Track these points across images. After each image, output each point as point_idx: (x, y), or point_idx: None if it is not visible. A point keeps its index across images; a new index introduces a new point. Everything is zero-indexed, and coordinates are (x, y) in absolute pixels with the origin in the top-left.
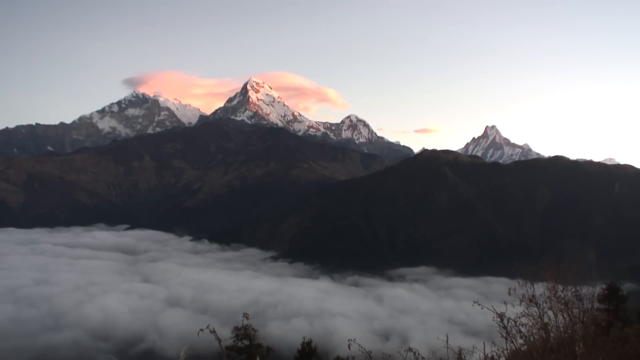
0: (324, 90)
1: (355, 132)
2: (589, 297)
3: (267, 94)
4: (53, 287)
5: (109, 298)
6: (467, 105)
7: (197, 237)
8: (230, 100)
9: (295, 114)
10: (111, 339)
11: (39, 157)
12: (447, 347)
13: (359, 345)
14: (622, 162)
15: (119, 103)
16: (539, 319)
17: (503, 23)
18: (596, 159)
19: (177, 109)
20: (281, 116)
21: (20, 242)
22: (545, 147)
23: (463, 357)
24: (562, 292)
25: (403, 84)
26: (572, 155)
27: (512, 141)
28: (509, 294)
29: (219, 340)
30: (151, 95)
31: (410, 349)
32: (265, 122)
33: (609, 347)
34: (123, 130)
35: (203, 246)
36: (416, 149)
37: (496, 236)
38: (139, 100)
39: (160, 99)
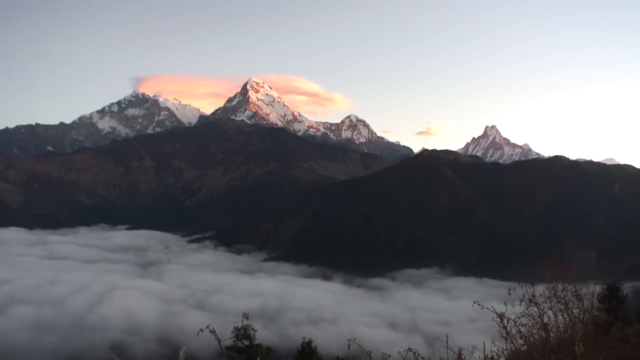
0: (330, 95)
1: (355, 132)
2: (589, 297)
3: (267, 94)
4: (69, 288)
5: (129, 299)
6: (467, 106)
7: (197, 237)
8: (230, 100)
9: (295, 114)
10: (139, 339)
11: (39, 157)
12: (447, 347)
13: (359, 345)
14: (622, 162)
15: (118, 103)
16: (539, 319)
17: (503, 23)
18: (596, 159)
19: (177, 109)
20: (281, 116)
21: (30, 243)
22: (545, 147)
23: (463, 357)
24: (562, 292)
25: (403, 84)
26: (572, 155)
27: (512, 141)
28: (509, 294)
29: (219, 340)
30: (151, 95)
31: (410, 349)
32: (265, 122)
33: (609, 347)
34: (123, 130)
35: (205, 246)
36: (416, 149)
37: (496, 236)
38: (139, 100)
39: (160, 99)
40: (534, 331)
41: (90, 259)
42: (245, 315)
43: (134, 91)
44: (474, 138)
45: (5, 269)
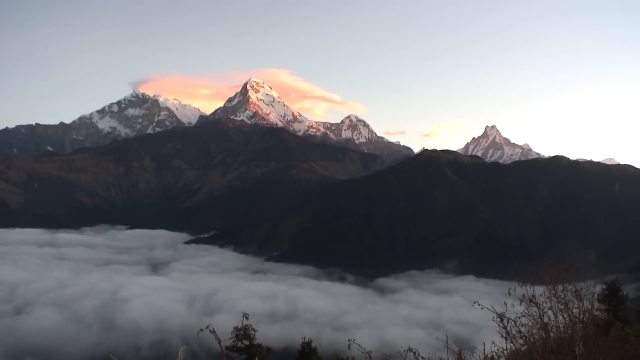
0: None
1: (355, 132)
2: (589, 297)
3: (267, 94)
4: (87, 289)
5: (150, 299)
6: (467, 106)
7: (197, 237)
8: (230, 100)
9: (295, 114)
10: (172, 338)
11: (39, 157)
12: (447, 347)
13: (359, 345)
14: (622, 162)
15: (118, 103)
16: (539, 319)
17: (503, 23)
18: (596, 159)
19: (176, 109)
20: (281, 116)
21: (39, 243)
22: (545, 147)
23: (463, 357)
24: (562, 292)
25: (403, 85)
26: (572, 155)
27: (512, 141)
28: (509, 294)
29: (219, 341)
30: (151, 95)
31: (410, 349)
32: (265, 122)
33: (609, 347)
34: (123, 130)
35: (208, 246)
36: (416, 149)
37: (496, 236)
38: (139, 100)
39: (160, 99)
40: (534, 331)
41: (100, 260)
42: (245, 315)
43: (134, 91)
44: (474, 138)
45: (19, 270)
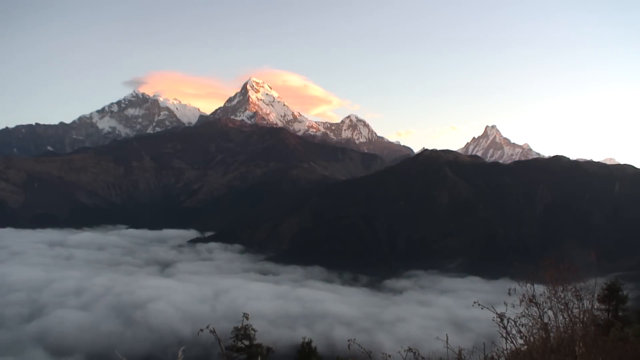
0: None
1: (355, 132)
2: (589, 297)
3: (267, 94)
4: (104, 290)
5: (169, 300)
6: (467, 105)
7: (196, 237)
8: (230, 100)
9: (295, 114)
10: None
11: (39, 157)
12: (447, 347)
13: (359, 345)
14: (622, 162)
15: (118, 103)
16: (539, 319)
17: (503, 24)
18: (596, 159)
19: (176, 108)
20: (281, 116)
21: (48, 243)
22: (545, 147)
23: (463, 357)
24: (562, 292)
25: (403, 84)
26: (572, 155)
27: (512, 141)
28: (509, 294)
29: (219, 341)
30: (151, 95)
31: (410, 349)
32: (265, 122)
33: (609, 347)
34: (123, 130)
35: (210, 246)
36: (416, 149)
37: (496, 236)
38: (139, 100)
39: (160, 99)
40: (534, 331)
41: (108, 260)
42: (245, 315)
43: (134, 91)
44: (474, 138)
45: (38, 271)
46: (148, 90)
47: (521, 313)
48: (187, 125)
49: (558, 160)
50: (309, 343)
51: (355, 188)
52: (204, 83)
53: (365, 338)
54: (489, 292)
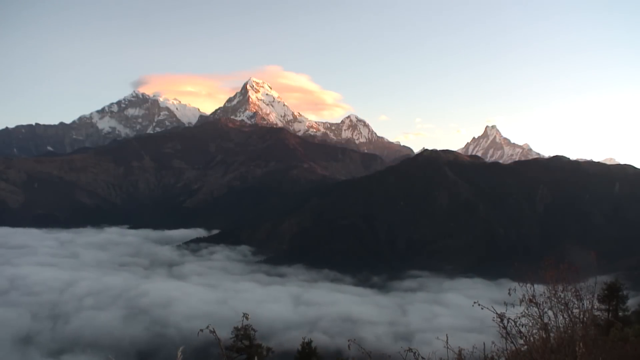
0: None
1: (355, 132)
2: (589, 297)
3: (267, 94)
4: (119, 291)
5: (188, 301)
6: (468, 105)
7: (197, 237)
8: (230, 100)
9: (295, 114)
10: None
11: (39, 157)
12: (447, 347)
13: (359, 345)
14: (622, 162)
15: (118, 103)
16: (539, 319)
17: (503, 25)
18: (596, 159)
19: (176, 109)
20: (281, 116)
21: (56, 244)
22: (545, 147)
23: (463, 357)
24: (562, 292)
25: (403, 84)
26: (572, 156)
27: (512, 141)
28: (509, 294)
29: (219, 341)
30: (151, 95)
31: (410, 349)
32: (265, 122)
33: (609, 347)
34: (123, 130)
35: (210, 246)
36: (416, 149)
37: (496, 236)
38: (139, 100)
39: (160, 99)
40: (534, 331)
41: (115, 260)
42: (245, 316)
43: (134, 91)
44: (474, 138)
45: (54, 272)
46: (148, 90)
47: (521, 313)
48: (187, 125)
49: (558, 160)
50: (309, 343)
51: (355, 188)
52: (204, 83)
53: (406, 342)
54: (488, 292)
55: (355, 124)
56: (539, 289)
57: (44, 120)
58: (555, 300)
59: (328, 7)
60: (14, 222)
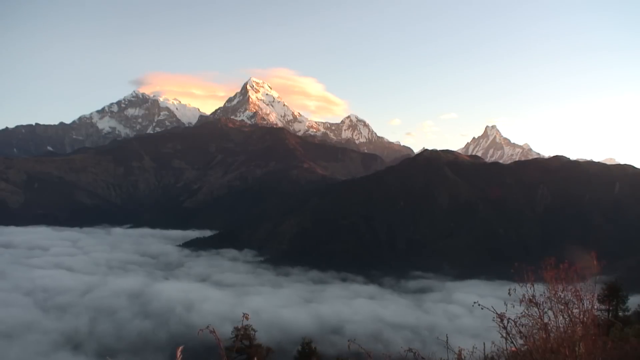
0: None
1: (355, 132)
2: (589, 297)
3: (267, 94)
4: (133, 294)
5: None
6: (468, 105)
7: (196, 237)
8: (230, 100)
9: (295, 114)
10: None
11: (39, 157)
12: (447, 347)
13: (359, 345)
14: (622, 162)
15: (118, 103)
16: (539, 320)
17: (503, 25)
18: (596, 159)
19: (176, 109)
20: (281, 116)
21: (61, 243)
22: (545, 147)
23: (463, 357)
24: (562, 292)
25: (404, 84)
26: (572, 156)
27: (512, 141)
28: (509, 294)
29: (219, 341)
30: (151, 95)
31: (410, 349)
32: (265, 122)
33: (609, 347)
34: (123, 130)
35: (211, 247)
36: (416, 149)
37: (496, 236)
38: (139, 100)
39: (160, 99)
40: (534, 331)
41: (122, 261)
42: (245, 316)
43: (134, 91)
44: (474, 138)
45: (72, 275)
46: (148, 90)
47: (521, 313)
48: (187, 125)
49: (558, 160)
50: (309, 343)
51: (355, 188)
52: (204, 83)
53: (441, 348)
54: (489, 291)
55: (355, 124)
56: (539, 289)
57: (44, 120)
58: (555, 300)
59: (329, 8)
60: (14, 223)
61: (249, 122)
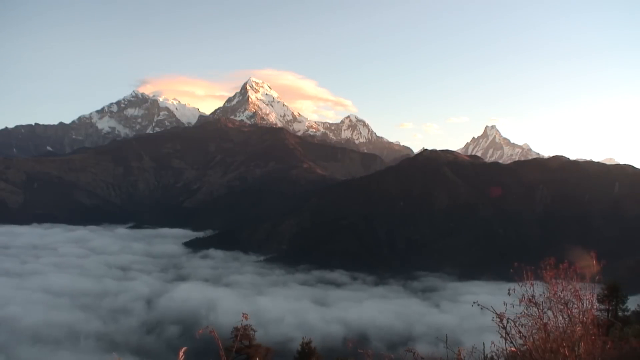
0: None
1: (355, 132)
2: (589, 297)
3: (266, 94)
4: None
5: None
6: (468, 105)
7: (196, 237)
8: (229, 100)
9: (295, 113)
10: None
11: (39, 157)
12: (447, 348)
13: (359, 345)
14: (622, 162)
15: (118, 103)
16: (539, 319)
17: (504, 26)
18: (596, 159)
19: (176, 109)
20: (281, 116)
21: (66, 243)
22: (544, 147)
23: (463, 357)
24: (562, 292)
25: (403, 84)
26: (572, 155)
27: (512, 141)
28: (509, 294)
29: (218, 341)
30: (150, 95)
31: (409, 350)
32: (264, 122)
33: (609, 347)
34: (122, 130)
35: (210, 246)
36: (416, 149)
37: (496, 236)
38: (138, 100)
39: (160, 99)
40: (533, 331)
41: (128, 262)
42: (244, 315)
43: (134, 91)
44: (474, 138)
45: (83, 279)
46: (148, 90)
47: (521, 313)
48: (186, 125)
49: (557, 160)
50: (309, 343)
51: (355, 188)
52: (204, 83)
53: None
54: (489, 292)
55: (354, 124)
56: (539, 289)
57: (44, 120)
58: (555, 300)
59: (329, 9)
60: (13, 222)
61: (248, 122)
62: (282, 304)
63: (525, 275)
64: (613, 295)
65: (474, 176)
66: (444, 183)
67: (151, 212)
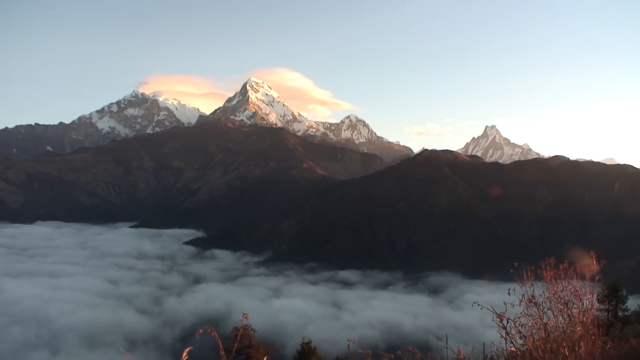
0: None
1: (355, 132)
2: (589, 297)
3: (266, 94)
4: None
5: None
6: (468, 105)
7: (195, 237)
8: (229, 100)
9: (295, 114)
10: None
11: (38, 157)
12: (447, 347)
13: (359, 345)
14: (622, 162)
15: (118, 103)
16: (539, 319)
17: (504, 26)
18: (596, 159)
19: (176, 109)
20: (281, 116)
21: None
22: (544, 147)
23: (463, 357)
24: (562, 292)
25: (404, 84)
26: (572, 155)
27: (512, 141)
28: (509, 294)
29: (218, 341)
30: (150, 95)
31: (409, 350)
32: (264, 122)
33: (609, 347)
34: (122, 130)
35: (210, 246)
36: (416, 149)
37: (496, 236)
38: (138, 100)
39: (160, 99)
40: (533, 331)
41: (138, 264)
42: (245, 315)
43: (134, 91)
44: (474, 138)
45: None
46: (148, 90)
47: (521, 313)
48: (186, 125)
49: (557, 160)
50: (309, 343)
51: (355, 188)
52: (204, 83)
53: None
54: (489, 292)
55: (354, 124)
56: (539, 289)
57: (44, 120)
58: (555, 300)
59: (329, 11)
60: (13, 223)
61: (248, 122)
62: (301, 305)
63: (525, 275)
64: (613, 295)
65: (474, 176)
66: (444, 183)
67: (151, 212)
